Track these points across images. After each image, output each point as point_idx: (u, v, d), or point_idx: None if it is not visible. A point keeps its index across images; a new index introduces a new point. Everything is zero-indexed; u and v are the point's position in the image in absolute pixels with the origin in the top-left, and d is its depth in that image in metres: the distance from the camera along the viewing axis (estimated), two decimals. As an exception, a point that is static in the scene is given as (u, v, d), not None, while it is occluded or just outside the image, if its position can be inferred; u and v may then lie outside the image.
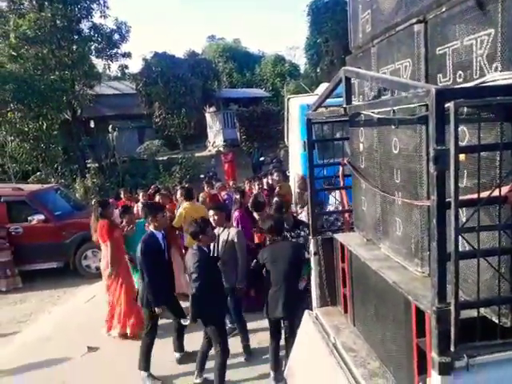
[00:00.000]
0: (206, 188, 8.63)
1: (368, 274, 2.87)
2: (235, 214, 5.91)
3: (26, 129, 14.13)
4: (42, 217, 8.42)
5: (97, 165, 16.67)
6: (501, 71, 1.62)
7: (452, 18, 1.87)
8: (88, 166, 16.69)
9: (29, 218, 8.38)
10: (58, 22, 14.41)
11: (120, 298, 5.42)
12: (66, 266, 8.53)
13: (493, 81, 1.63)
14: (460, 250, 1.75)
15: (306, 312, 3.79)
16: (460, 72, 1.86)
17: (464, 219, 1.81)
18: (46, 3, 14.73)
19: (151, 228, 4.54)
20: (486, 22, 1.66)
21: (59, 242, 8.43)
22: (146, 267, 4.33)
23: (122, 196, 9.24)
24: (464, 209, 1.89)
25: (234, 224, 5.61)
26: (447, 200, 1.59)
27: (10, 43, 14.03)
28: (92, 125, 18.41)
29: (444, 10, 1.93)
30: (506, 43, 1.58)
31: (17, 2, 15.66)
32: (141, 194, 8.64)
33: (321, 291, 3.68)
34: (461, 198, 1.62)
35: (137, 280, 5.50)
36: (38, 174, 14.77)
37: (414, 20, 2.13)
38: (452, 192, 1.54)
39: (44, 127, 14.38)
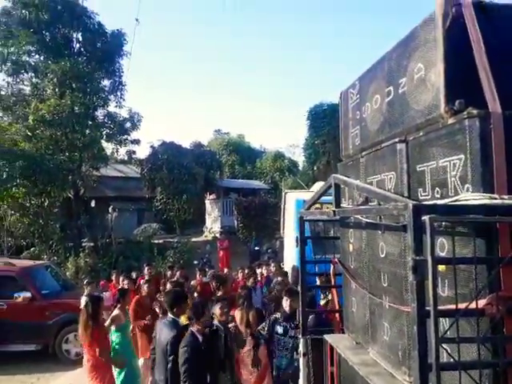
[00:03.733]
0: (198, 276, 8.57)
1: (356, 379, 2.79)
2: None
3: (28, 204, 14.38)
4: (28, 294, 8.22)
5: (92, 244, 16.62)
6: (472, 192, 1.79)
7: (429, 142, 2.11)
8: (83, 244, 16.62)
9: (15, 295, 8.16)
10: (76, 108, 15.46)
11: None
12: (44, 348, 8.10)
13: (465, 200, 1.80)
14: (444, 359, 1.78)
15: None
16: (437, 189, 2.04)
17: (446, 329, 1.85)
18: (68, 91, 15.95)
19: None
20: (457, 149, 1.88)
21: (42, 323, 8.12)
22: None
23: (113, 278, 9.09)
24: (447, 318, 1.94)
25: None
26: (427, 309, 1.66)
27: (27, 124, 14.91)
28: (93, 204, 18.73)
29: (421, 134, 2.18)
30: (475, 168, 1.78)
31: (40, 88, 16.99)
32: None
33: (308, 396, 3.52)
34: (440, 307, 1.69)
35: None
36: (32, 249, 14.67)
37: (397, 140, 2.38)
38: (430, 302, 1.61)
39: (45, 204, 14.66)
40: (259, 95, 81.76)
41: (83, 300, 6.88)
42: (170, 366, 3.88)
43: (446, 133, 1.96)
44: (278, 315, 4.87)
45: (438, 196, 2.04)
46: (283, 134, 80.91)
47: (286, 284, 6.42)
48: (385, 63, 2.56)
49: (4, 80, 16.82)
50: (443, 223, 2.00)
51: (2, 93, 16.70)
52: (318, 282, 4.86)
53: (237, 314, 4.73)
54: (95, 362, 4.97)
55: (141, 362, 6.14)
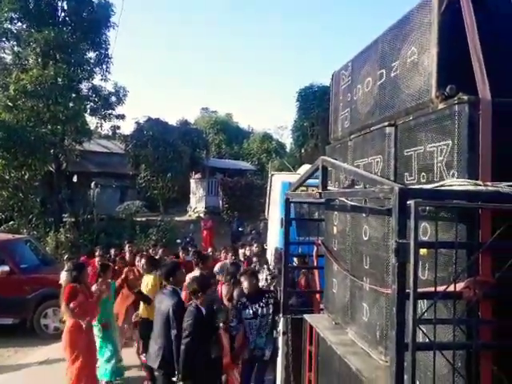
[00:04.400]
0: (181, 254, 8.57)
1: (334, 359, 2.85)
2: None
3: (8, 177, 14.06)
4: (6, 268, 8.11)
5: (73, 220, 16.39)
6: (457, 178, 1.81)
7: (417, 126, 2.12)
8: (64, 220, 16.40)
9: (-7, 268, 8.05)
10: (59, 80, 15.00)
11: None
12: (22, 323, 8.05)
13: (450, 185, 1.82)
14: (421, 341, 1.83)
15: (269, 395, 3.66)
16: (423, 173, 2.06)
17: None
18: (51, 62, 15.45)
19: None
20: (445, 134, 1.89)
21: (20, 297, 8.04)
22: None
23: (96, 254, 9.00)
24: (425, 301, 1.98)
25: None
26: (407, 291, 1.69)
27: (8, 95, 14.44)
28: (75, 179, 18.42)
29: (411, 118, 2.18)
30: (461, 154, 1.80)
31: (22, 58, 16.40)
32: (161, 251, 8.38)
33: (286, 373, 3.60)
34: (419, 290, 1.72)
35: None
36: (11, 223, 14.41)
37: (386, 123, 2.38)
38: (411, 284, 1.64)
39: (26, 177, 14.34)
40: (248, 74, 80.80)
41: (63, 275, 6.83)
42: (175, 332, 3.90)
43: (435, 118, 1.97)
44: (244, 299, 4.73)
45: (424, 181, 2.06)
46: (271, 116, 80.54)
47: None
48: (378, 45, 2.53)
49: (-16, 48, 16.20)
50: (427, 208, 2.03)
51: (-18, 60, 16.10)
52: (295, 263, 4.99)
53: (224, 288, 4.82)
54: (74, 331, 4.96)
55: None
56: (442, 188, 1.81)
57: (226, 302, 4.75)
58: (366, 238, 2.67)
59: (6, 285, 8.03)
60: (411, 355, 1.62)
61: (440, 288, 1.73)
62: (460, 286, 1.74)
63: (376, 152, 2.53)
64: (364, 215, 2.65)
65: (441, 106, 1.92)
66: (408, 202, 1.68)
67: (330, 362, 2.94)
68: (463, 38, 1.93)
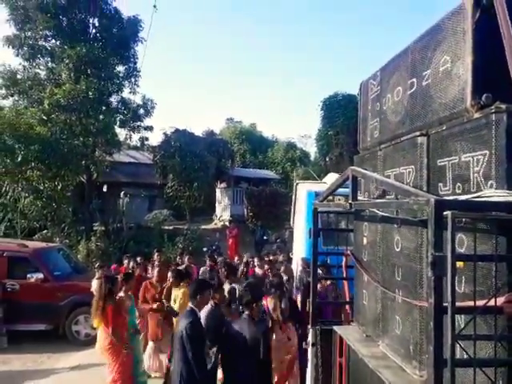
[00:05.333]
0: (207, 262, 8.65)
1: (365, 372, 2.79)
2: None
3: (42, 187, 14.55)
4: (41, 275, 8.36)
5: (103, 228, 16.80)
6: (495, 189, 1.76)
7: (451, 136, 2.08)
8: (94, 228, 16.83)
9: (28, 276, 8.31)
10: (90, 94, 15.51)
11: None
12: (55, 329, 8.27)
13: (488, 196, 1.77)
14: (458, 356, 1.77)
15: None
16: (459, 184, 2.01)
17: (462, 325, 1.84)
18: (83, 77, 16.00)
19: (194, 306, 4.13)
20: (482, 144, 1.85)
21: (53, 304, 8.26)
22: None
23: (125, 262, 9.20)
24: (463, 315, 1.92)
25: None
26: (444, 305, 1.65)
27: (43, 109, 15.02)
28: (105, 189, 18.90)
29: (444, 128, 2.14)
30: (500, 165, 1.75)
31: (56, 73, 17.07)
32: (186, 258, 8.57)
33: (316, 386, 3.55)
34: (458, 304, 1.67)
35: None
36: (45, 231, 14.89)
37: (418, 133, 2.35)
38: (449, 298, 1.60)
39: (59, 187, 14.81)
40: (272, 85, 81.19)
41: (94, 283, 7.00)
42: (190, 355, 3.73)
43: (470, 127, 1.93)
44: None
45: (459, 191, 2.01)
46: (295, 125, 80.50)
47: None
48: (408, 54, 2.51)
49: (20, 64, 16.91)
50: (463, 219, 1.98)
51: (19, 77, 16.79)
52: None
53: (269, 301, 4.69)
54: (110, 341, 5.06)
55: (150, 344, 6.27)
56: (480, 199, 1.76)
57: (274, 315, 4.63)
58: (397, 249, 2.62)
59: (40, 292, 8.27)
60: (450, 372, 1.58)
61: (479, 302, 1.68)
62: (500, 300, 1.68)
63: (407, 162, 2.49)
64: (396, 226, 2.61)
65: (476, 115, 1.88)
66: (444, 214, 1.65)
67: (361, 374, 2.88)
68: (499, 46, 1.89)
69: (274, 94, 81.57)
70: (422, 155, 2.32)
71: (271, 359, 3.97)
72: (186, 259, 8.65)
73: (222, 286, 5.11)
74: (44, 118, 14.81)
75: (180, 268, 7.41)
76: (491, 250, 1.80)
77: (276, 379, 4.55)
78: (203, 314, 4.31)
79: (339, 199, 6.36)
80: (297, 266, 8.35)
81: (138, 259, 8.74)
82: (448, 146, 2.10)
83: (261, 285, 4.34)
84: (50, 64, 17.31)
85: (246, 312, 3.82)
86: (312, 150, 31.40)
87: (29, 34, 16.47)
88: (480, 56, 1.90)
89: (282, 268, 7.33)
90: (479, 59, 1.90)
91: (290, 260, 9.29)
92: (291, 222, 11.45)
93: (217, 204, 24.20)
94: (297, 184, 10.35)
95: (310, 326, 3.57)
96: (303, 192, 8.95)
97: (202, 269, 8.23)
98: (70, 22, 16.86)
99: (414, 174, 2.42)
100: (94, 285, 6.98)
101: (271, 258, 8.66)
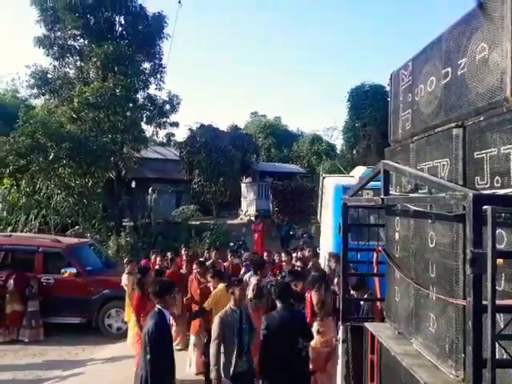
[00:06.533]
0: (229, 257, 8.69)
1: (398, 370, 2.74)
2: None
3: (73, 184, 14.99)
4: (74, 270, 8.63)
5: (132, 224, 17.17)
6: (538, 182, 1.68)
7: (490, 127, 1.99)
8: (124, 224, 17.22)
9: (62, 271, 8.59)
10: (117, 91, 15.82)
11: None
12: (88, 322, 8.53)
13: (530, 190, 1.69)
14: (498, 357, 1.70)
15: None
16: (497, 177, 1.93)
17: (502, 324, 1.77)
18: (110, 74, 16.34)
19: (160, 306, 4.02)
20: (523, 135, 1.76)
21: (86, 298, 8.52)
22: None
23: (152, 258, 9.38)
24: (502, 314, 1.85)
25: None
26: (484, 303, 1.58)
27: (72, 107, 15.45)
28: (133, 185, 19.29)
29: (482, 118, 2.05)
30: (543, 156, 1.66)
31: (84, 72, 17.50)
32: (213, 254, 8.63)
33: (346, 382, 3.51)
34: (498, 302, 1.61)
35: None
36: (77, 227, 15.35)
37: (453, 124, 2.26)
38: (489, 297, 1.54)
39: (89, 184, 15.23)
40: (297, 77, 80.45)
41: (124, 277, 7.16)
42: (148, 357, 3.66)
43: (510, 117, 1.84)
44: None
45: (498, 185, 1.93)
46: (321, 117, 79.59)
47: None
48: (442, 43, 2.42)
49: (51, 64, 17.44)
50: (502, 214, 1.90)
51: (49, 76, 17.31)
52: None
53: (313, 294, 4.73)
54: (137, 332, 5.19)
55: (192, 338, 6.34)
56: (521, 193, 1.68)
57: (316, 309, 4.67)
58: (431, 245, 2.54)
59: (73, 286, 8.56)
60: (491, 373, 1.52)
61: (521, 301, 1.61)
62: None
63: (442, 155, 2.41)
64: (430, 221, 2.53)
65: (517, 104, 1.79)
66: (484, 208, 1.59)
67: (394, 372, 2.82)
68: (541, 31, 1.79)
69: (298, 87, 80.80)
70: (457, 147, 2.24)
71: (308, 349, 4.07)
72: (212, 254, 8.72)
73: (241, 282, 5.08)
74: (74, 116, 15.23)
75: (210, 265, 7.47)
76: (533, 246, 1.72)
77: (312, 369, 4.62)
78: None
79: (367, 193, 6.25)
80: (324, 261, 8.27)
81: (169, 254, 8.89)
82: (486, 137, 2.01)
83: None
84: (78, 63, 17.77)
85: (281, 304, 4.02)
86: (338, 142, 31.06)
87: (58, 33, 16.95)
88: (520, 42, 1.80)
89: (310, 264, 7.27)
90: (520, 46, 1.80)
91: (317, 255, 9.22)
92: (318, 217, 11.35)
93: (242, 199, 24.29)
94: (323, 178, 10.23)
95: (340, 323, 3.53)
96: (330, 186, 8.83)
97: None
98: (97, 20, 17.22)
99: (448, 167, 2.33)
100: (124, 279, 7.15)
101: (299, 254, 8.59)
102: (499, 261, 1.89)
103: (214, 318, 5.20)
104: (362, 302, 4.73)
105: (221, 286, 5.71)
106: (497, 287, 1.91)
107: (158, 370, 3.70)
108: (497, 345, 1.61)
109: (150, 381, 3.65)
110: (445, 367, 2.39)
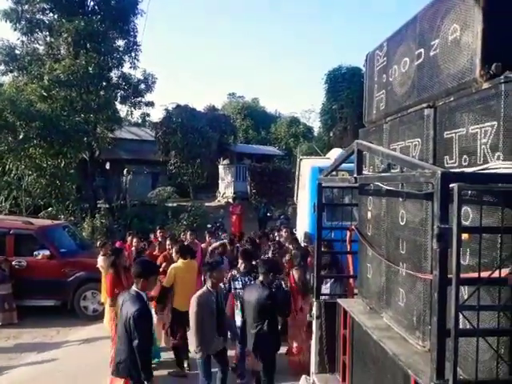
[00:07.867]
0: (207, 238, 8.70)
1: (369, 343, 2.85)
2: None
3: (45, 165, 14.55)
4: (47, 252, 8.46)
5: (107, 206, 16.89)
6: (503, 160, 1.74)
7: (459, 107, 2.04)
8: (98, 206, 16.91)
9: (35, 253, 8.41)
10: (90, 69, 15.29)
11: None
12: (63, 304, 8.43)
13: (495, 168, 1.76)
14: (461, 327, 1.80)
15: (303, 377, 3.70)
16: (465, 156, 1.99)
17: (466, 296, 1.85)
18: (82, 51, 15.76)
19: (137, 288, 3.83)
20: (490, 115, 1.82)
21: (60, 280, 8.39)
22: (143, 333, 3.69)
23: (128, 239, 9.29)
24: (466, 286, 1.94)
25: None
26: (449, 276, 1.66)
27: (43, 85, 14.86)
28: (108, 166, 18.91)
29: (452, 99, 2.11)
30: (508, 135, 1.72)
31: (54, 48, 16.81)
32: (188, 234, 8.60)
33: (320, 357, 3.63)
34: (462, 275, 1.68)
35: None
36: (50, 209, 14.97)
37: (425, 105, 2.31)
38: (453, 269, 1.61)
39: (62, 165, 14.81)
40: (274, 59, 79.77)
41: (100, 259, 7.08)
42: (136, 342, 3.56)
43: (479, 98, 1.89)
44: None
45: (466, 164, 1.99)
46: (298, 99, 79.49)
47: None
48: (416, 24, 2.44)
49: (19, 39, 16.64)
50: (468, 192, 1.97)
51: (17, 52, 16.56)
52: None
53: (295, 272, 5.02)
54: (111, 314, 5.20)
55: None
56: (487, 171, 1.75)
57: (300, 285, 4.94)
58: (402, 223, 2.63)
59: (47, 268, 8.39)
60: (453, 342, 1.60)
61: (483, 274, 1.69)
62: (505, 271, 1.69)
63: (414, 135, 2.46)
64: (401, 200, 2.60)
65: (485, 85, 1.84)
66: (451, 186, 1.64)
67: (365, 346, 2.94)
68: (510, 14, 1.84)
69: (276, 68, 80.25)
70: (428, 127, 2.30)
71: (277, 322, 4.35)
72: (188, 235, 8.68)
73: (219, 264, 5.12)
74: (44, 94, 14.68)
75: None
76: (497, 222, 1.80)
77: (296, 344, 4.95)
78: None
79: (343, 174, 6.34)
80: (301, 242, 8.40)
81: (152, 236, 8.76)
82: (455, 117, 2.07)
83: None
84: (48, 38, 17.02)
85: (260, 278, 4.25)
86: (316, 124, 31.16)
87: (26, 7, 16.12)
88: (490, 24, 1.84)
89: (287, 243, 7.38)
90: (489, 28, 1.84)
91: (294, 236, 9.33)
92: (295, 199, 11.47)
93: (220, 181, 24.24)
94: (300, 160, 10.30)
95: (314, 299, 3.63)
96: (307, 167, 8.91)
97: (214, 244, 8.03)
98: (67, -6, 16.45)
99: (419, 147, 2.39)
100: (100, 261, 7.08)
101: (276, 236, 8.68)
102: (464, 236, 1.98)
103: (175, 296, 5.30)
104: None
105: (179, 262, 5.69)
106: (462, 262, 2.00)
107: (147, 355, 3.68)
108: (461, 316, 1.70)
109: (141, 366, 3.58)
110: (412, 339, 2.50)
